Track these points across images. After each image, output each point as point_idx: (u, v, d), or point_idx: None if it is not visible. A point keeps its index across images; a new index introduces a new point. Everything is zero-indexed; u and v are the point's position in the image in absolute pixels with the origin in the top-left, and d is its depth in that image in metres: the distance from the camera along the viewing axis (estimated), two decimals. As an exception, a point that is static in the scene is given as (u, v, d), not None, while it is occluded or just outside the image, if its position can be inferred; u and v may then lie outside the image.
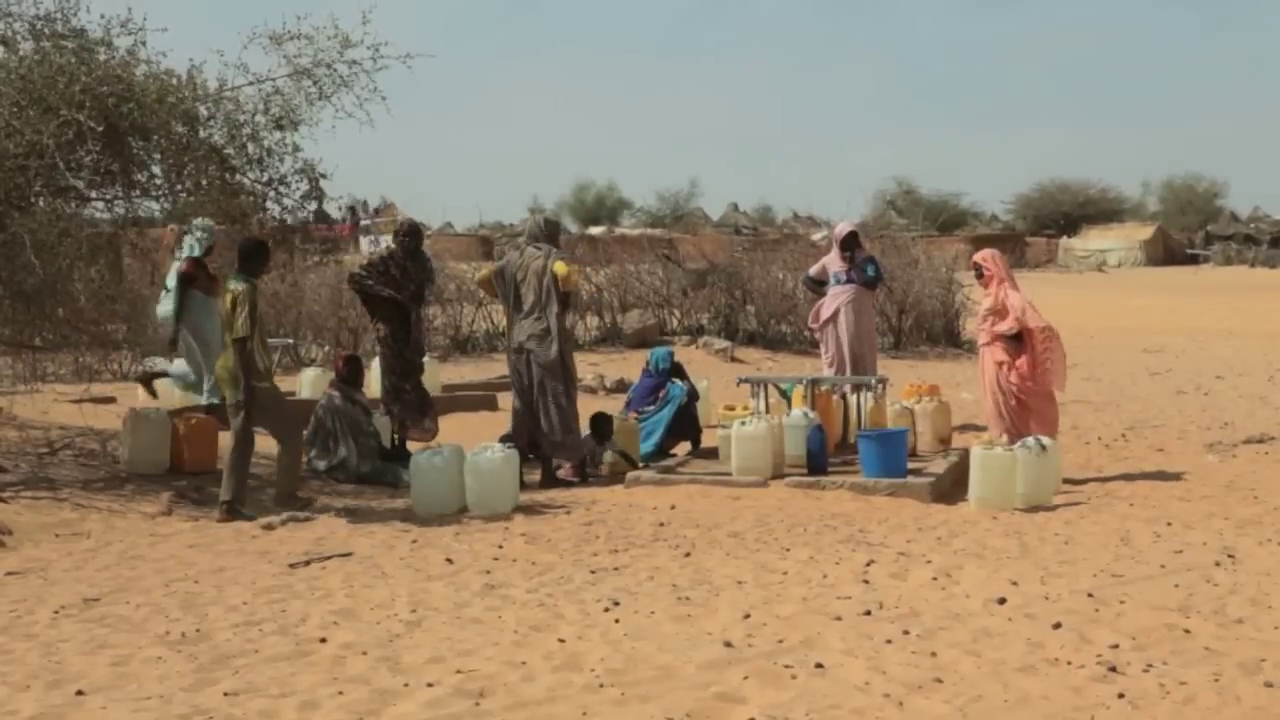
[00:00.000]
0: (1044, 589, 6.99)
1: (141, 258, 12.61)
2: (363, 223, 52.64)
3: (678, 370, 12.10)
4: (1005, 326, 10.54)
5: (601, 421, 11.06)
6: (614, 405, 12.78)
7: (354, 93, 10.20)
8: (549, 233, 10.87)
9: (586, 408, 11.53)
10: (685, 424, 11.71)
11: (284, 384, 11.83)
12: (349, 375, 11.16)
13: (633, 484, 10.27)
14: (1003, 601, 6.72)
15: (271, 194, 10.37)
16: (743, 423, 10.42)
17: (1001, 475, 9.45)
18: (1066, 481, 10.13)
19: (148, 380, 13.01)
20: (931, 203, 70.31)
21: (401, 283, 11.37)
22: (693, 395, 11.82)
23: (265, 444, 9.88)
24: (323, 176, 10.37)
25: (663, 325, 21.21)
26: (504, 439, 11.09)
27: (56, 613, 6.70)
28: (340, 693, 5.38)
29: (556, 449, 10.61)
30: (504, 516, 9.26)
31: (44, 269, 9.53)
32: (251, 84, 10.18)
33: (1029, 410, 10.52)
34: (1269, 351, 20.55)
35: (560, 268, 10.45)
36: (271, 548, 8.33)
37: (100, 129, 9.16)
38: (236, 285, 9.23)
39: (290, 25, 10.15)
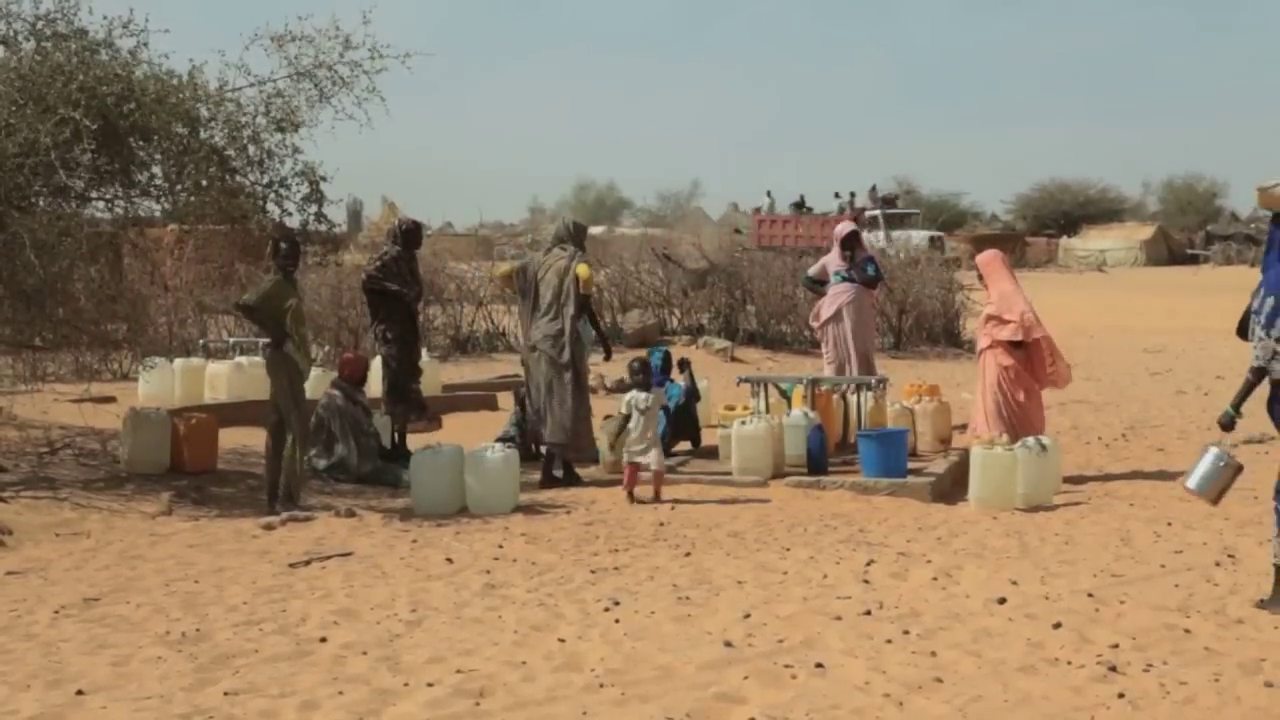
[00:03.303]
0: (1044, 589, 6.99)
1: (141, 257, 12.60)
2: (868, 213, 44.46)
3: (683, 367, 12.07)
4: (1006, 334, 10.57)
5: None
6: (613, 405, 12.76)
7: (353, 93, 10.23)
8: (576, 235, 10.96)
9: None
10: (685, 423, 11.69)
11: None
12: (354, 375, 11.18)
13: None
14: (1003, 601, 6.72)
15: (272, 196, 10.39)
16: (743, 423, 10.41)
17: (1001, 475, 9.45)
18: (1066, 481, 10.14)
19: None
20: (931, 203, 70.28)
21: (408, 283, 11.39)
22: (693, 395, 11.78)
23: (264, 442, 9.88)
24: (323, 179, 10.40)
25: (663, 325, 21.20)
26: (502, 439, 11.11)
27: (56, 613, 6.71)
28: (340, 693, 5.38)
29: (565, 449, 10.63)
30: (504, 516, 9.27)
31: (44, 269, 9.54)
32: (252, 85, 10.20)
33: (1030, 412, 10.56)
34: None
35: (583, 270, 10.53)
36: (271, 548, 8.34)
37: (95, 127, 9.15)
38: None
39: (292, 27, 10.19)
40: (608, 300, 21.18)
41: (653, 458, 9.84)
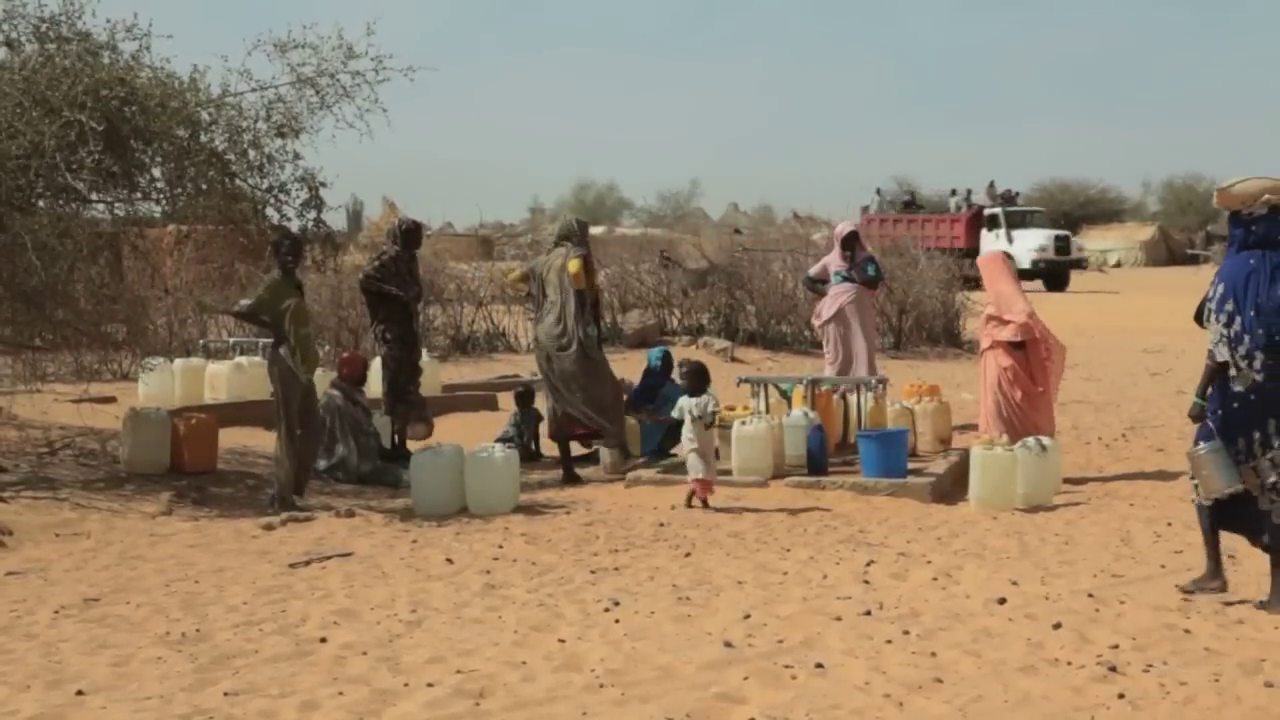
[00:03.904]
0: (1044, 589, 6.99)
1: (142, 258, 12.61)
2: (988, 210, 41.12)
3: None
4: (1007, 335, 10.59)
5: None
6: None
7: (355, 103, 10.25)
8: (580, 233, 11.06)
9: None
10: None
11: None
12: (354, 375, 11.19)
13: (633, 484, 10.28)
14: (1003, 601, 6.72)
15: (271, 201, 10.41)
16: (743, 423, 10.41)
17: (1001, 475, 9.45)
18: (1066, 481, 10.13)
19: None
20: (933, 203, 70.15)
21: (408, 283, 11.40)
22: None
23: (265, 442, 9.90)
24: (323, 185, 10.43)
25: (663, 325, 21.19)
26: (502, 439, 11.12)
27: (56, 613, 6.71)
28: (340, 693, 5.39)
29: (604, 437, 10.78)
30: (504, 516, 9.27)
31: (45, 269, 9.55)
32: (254, 90, 10.21)
33: (1031, 413, 10.56)
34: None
35: (573, 265, 10.59)
36: (271, 548, 8.34)
37: (101, 130, 9.17)
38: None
39: (295, 34, 10.20)
40: (608, 300, 21.17)
41: (697, 465, 9.42)
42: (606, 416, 10.69)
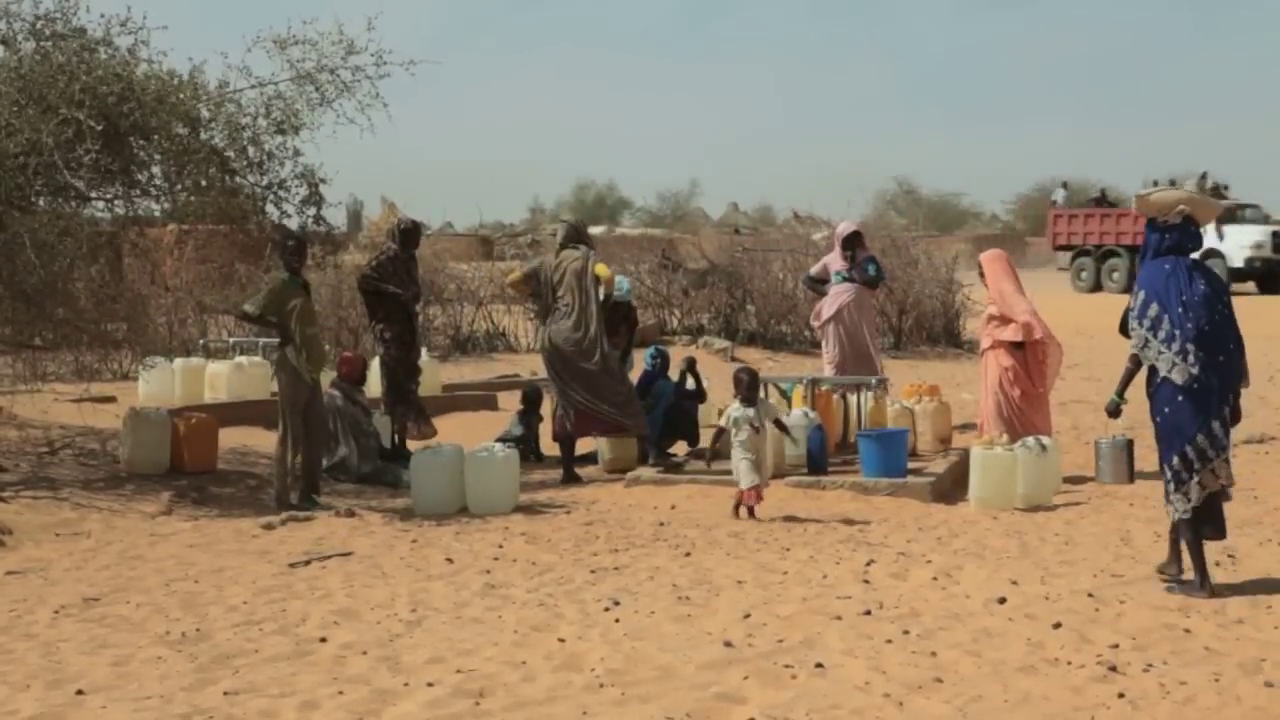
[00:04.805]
0: (1044, 589, 6.99)
1: (142, 257, 12.60)
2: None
3: (689, 367, 12.01)
4: (1009, 334, 10.59)
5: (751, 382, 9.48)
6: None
7: (356, 98, 10.25)
8: (586, 236, 11.16)
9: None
10: (681, 423, 11.62)
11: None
12: (354, 375, 11.20)
13: (633, 484, 10.27)
14: (1003, 601, 6.73)
15: (271, 197, 10.40)
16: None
17: (1001, 475, 9.45)
18: (1066, 481, 10.12)
19: None
20: (931, 203, 70.14)
21: (406, 283, 11.40)
22: (696, 395, 11.72)
23: (265, 442, 9.90)
24: (322, 182, 10.42)
25: (663, 325, 21.19)
26: (502, 439, 11.12)
27: (56, 613, 6.71)
28: (340, 693, 5.39)
29: (632, 427, 10.81)
30: (504, 516, 9.27)
31: (44, 268, 9.55)
32: (254, 87, 10.21)
33: (1030, 413, 10.56)
34: (1269, 351, 20.50)
35: (603, 270, 10.67)
36: (271, 548, 8.34)
37: (99, 128, 9.17)
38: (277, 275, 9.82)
39: (295, 30, 10.19)
40: (608, 300, 21.14)
41: (746, 473, 9.09)
42: (627, 411, 10.69)
